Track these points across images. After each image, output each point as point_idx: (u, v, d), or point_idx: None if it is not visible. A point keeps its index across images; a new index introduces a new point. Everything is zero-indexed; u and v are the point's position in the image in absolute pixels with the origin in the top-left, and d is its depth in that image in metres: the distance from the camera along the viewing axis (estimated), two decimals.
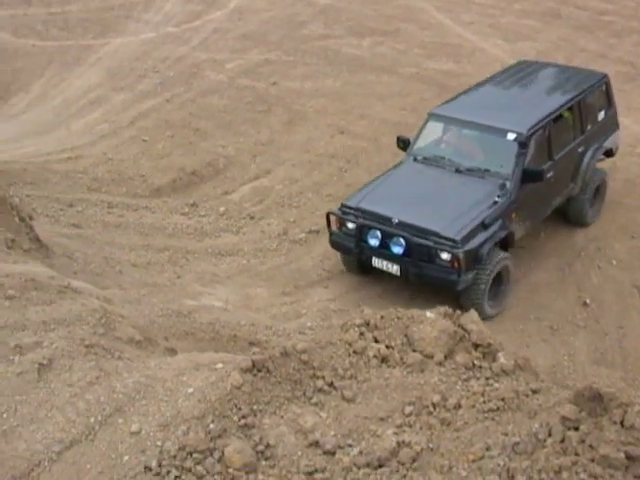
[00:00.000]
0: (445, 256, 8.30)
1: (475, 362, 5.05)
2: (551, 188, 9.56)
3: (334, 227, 9.06)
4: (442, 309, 5.32)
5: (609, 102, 10.77)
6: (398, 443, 4.15)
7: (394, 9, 17.70)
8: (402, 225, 8.51)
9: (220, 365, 4.65)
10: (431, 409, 4.61)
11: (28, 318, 5.23)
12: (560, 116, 9.86)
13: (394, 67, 15.05)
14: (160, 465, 3.82)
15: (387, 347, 5.07)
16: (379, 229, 8.64)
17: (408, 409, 4.58)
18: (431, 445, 4.23)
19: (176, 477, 3.78)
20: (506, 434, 4.23)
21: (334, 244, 9.19)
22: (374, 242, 8.68)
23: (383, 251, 8.67)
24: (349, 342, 5.02)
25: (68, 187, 10.68)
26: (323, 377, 4.71)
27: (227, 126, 12.99)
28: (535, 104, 9.86)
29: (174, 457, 3.87)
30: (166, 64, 15.42)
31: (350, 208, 8.93)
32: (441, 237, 8.33)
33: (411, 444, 4.16)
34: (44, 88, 14.93)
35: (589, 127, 10.25)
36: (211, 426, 4.10)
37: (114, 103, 13.95)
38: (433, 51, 15.76)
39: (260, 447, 4.12)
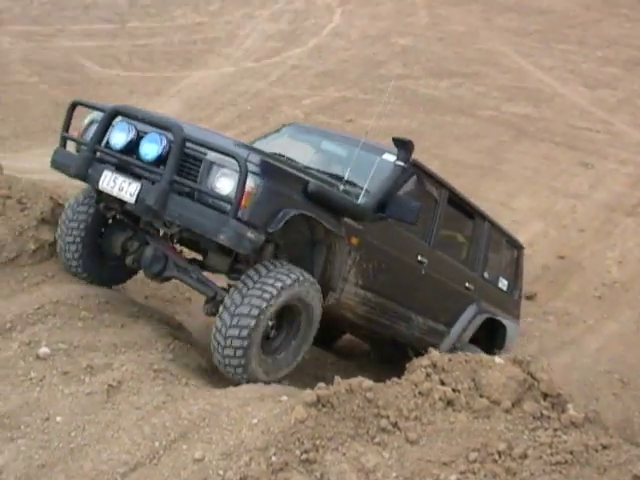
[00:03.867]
0: None
1: (543, 412, 4.92)
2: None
3: None
4: (512, 356, 5.22)
5: (515, 275, 8.71)
6: None
7: (475, 52, 17.73)
8: None
9: (285, 397, 4.65)
10: (496, 457, 4.50)
11: (100, 340, 5.35)
12: None
13: (472, 109, 15.05)
14: None
15: (453, 390, 4.99)
16: None
17: (472, 455, 4.48)
18: None
19: None
20: None
21: None
22: None
23: None
24: (415, 383, 4.96)
25: None
26: (387, 416, 4.66)
27: None
28: None
29: None
30: (244, 98, 15.75)
31: None
32: None
33: None
34: None
35: None
36: (273, 458, 4.09)
37: None
38: (512, 95, 15.70)
39: None
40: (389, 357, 8.04)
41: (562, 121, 11.46)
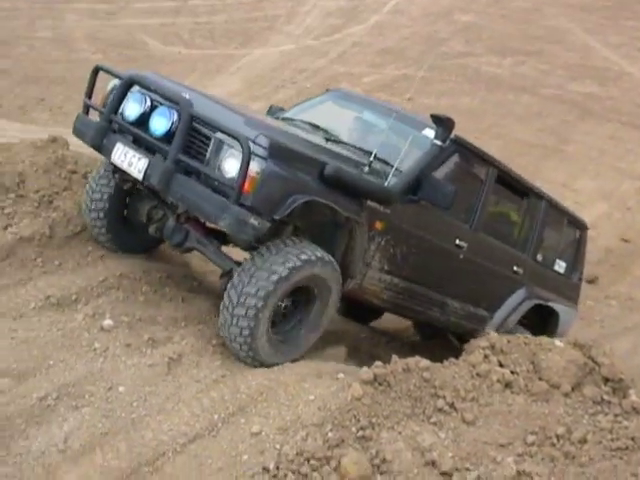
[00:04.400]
0: None
1: (604, 397, 4.85)
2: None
3: None
4: (572, 339, 5.15)
5: (576, 258, 8.18)
6: (518, 472, 4.04)
7: (539, 29, 17.37)
8: None
9: (342, 375, 4.68)
10: (554, 441, 4.46)
11: (161, 313, 5.46)
12: None
13: (535, 88, 14.77)
14: (277, 468, 3.87)
15: (512, 372, 4.94)
16: None
17: (530, 438, 4.45)
18: (553, 478, 4.09)
19: None
20: (635, 475, 4.04)
21: None
22: None
23: None
24: (473, 364, 4.94)
25: None
26: (444, 397, 4.65)
27: None
28: None
29: (291, 461, 3.92)
30: (303, 76, 15.74)
31: None
32: None
33: (532, 474, 4.03)
34: None
35: None
36: (329, 434, 4.13)
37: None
38: (577, 73, 15.35)
39: (376, 461, 4.10)
40: (431, 336, 7.97)
41: (629, 100, 11.15)
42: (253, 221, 4.60)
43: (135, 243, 6.23)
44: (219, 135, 4.77)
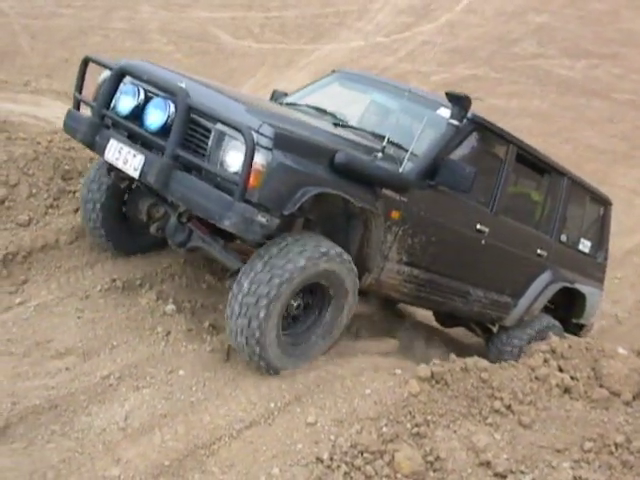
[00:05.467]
0: None
1: None
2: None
3: None
4: (636, 347, 5.05)
5: (601, 236, 7.68)
6: (574, 478, 3.98)
7: (615, 32, 16.98)
8: None
9: (399, 371, 4.69)
10: (613, 449, 4.39)
11: (222, 301, 5.53)
12: None
13: (608, 92, 14.45)
14: (331, 459, 3.90)
15: (572, 378, 4.89)
16: None
17: (588, 445, 4.38)
18: None
19: (345, 473, 3.84)
20: None
21: None
22: None
23: None
24: (532, 367, 4.89)
25: None
26: (501, 398, 4.62)
27: None
28: None
29: (345, 453, 3.94)
30: (372, 73, 15.71)
31: None
32: None
33: None
34: (254, 88, 15.70)
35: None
36: (384, 429, 4.14)
37: None
38: None
39: (430, 458, 4.10)
40: (452, 325, 7.70)
41: None
42: (261, 218, 4.25)
43: (137, 244, 5.89)
44: (220, 126, 4.40)
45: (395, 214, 5.06)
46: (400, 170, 4.96)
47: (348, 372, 4.71)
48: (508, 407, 4.61)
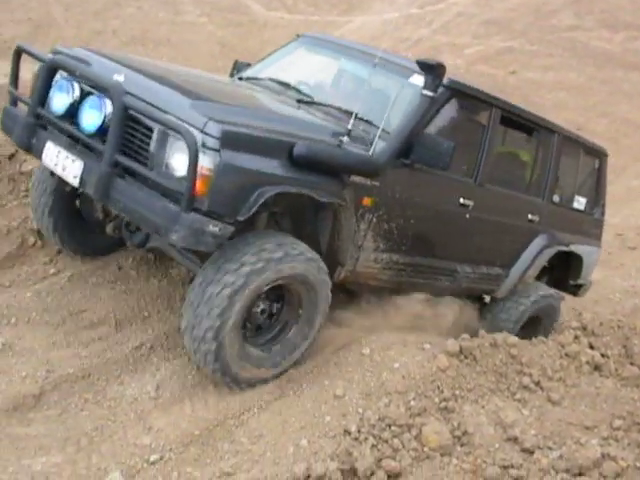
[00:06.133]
0: None
1: None
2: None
3: None
4: None
5: (597, 190, 7.16)
6: (602, 455, 3.97)
7: None
8: None
9: (428, 345, 4.69)
10: None
11: None
12: None
13: None
14: (359, 431, 3.92)
15: (602, 355, 4.87)
16: None
17: (617, 422, 4.36)
18: (638, 464, 4.00)
19: (373, 445, 3.87)
20: None
21: None
22: None
23: None
24: (562, 344, 4.87)
25: None
26: (530, 374, 4.61)
27: None
28: None
29: (373, 426, 3.97)
30: (405, 45, 15.55)
31: None
32: None
33: (616, 458, 3.95)
34: None
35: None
36: (412, 403, 4.16)
37: None
38: None
39: (457, 432, 4.11)
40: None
41: None
42: (212, 228, 3.84)
43: (97, 245, 5.47)
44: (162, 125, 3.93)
45: (367, 201, 4.68)
46: (370, 153, 4.55)
47: (377, 346, 4.72)
48: (537, 383, 4.60)
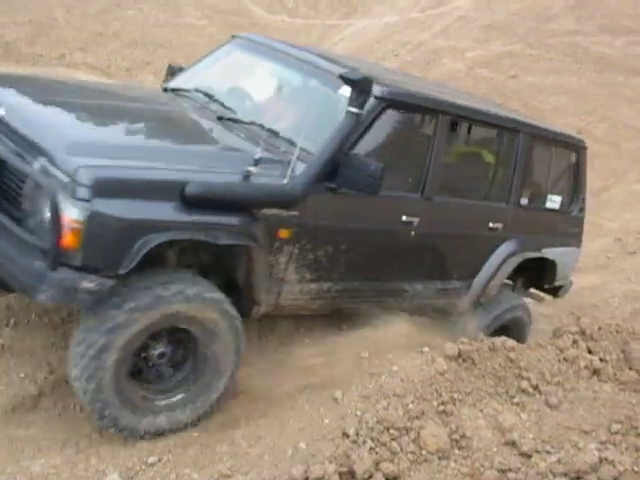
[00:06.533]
0: None
1: None
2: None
3: None
4: None
5: (575, 186, 6.57)
6: (600, 459, 3.98)
7: None
8: None
9: (426, 349, 4.69)
10: None
11: None
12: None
13: None
14: (357, 434, 3.93)
15: (601, 360, 4.87)
16: None
17: (615, 427, 4.37)
18: (636, 468, 4.01)
19: (371, 448, 3.87)
20: None
21: None
22: None
23: None
24: (560, 348, 4.88)
25: None
26: (528, 378, 4.62)
27: None
28: None
29: (371, 429, 3.97)
30: (406, 49, 15.56)
31: None
32: None
33: (614, 462, 3.96)
34: None
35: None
36: (410, 406, 4.16)
37: None
38: None
39: (455, 436, 4.11)
40: None
41: None
42: (87, 284, 3.44)
43: None
44: (34, 171, 3.53)
45: (284, 233, 4.24)
46: (286, 180, 4.09)
47: (375, 349, 4.73)
48: (535, 387, 4.61)
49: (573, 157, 6.46)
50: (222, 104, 4.86)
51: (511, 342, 4.75)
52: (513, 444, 4.12)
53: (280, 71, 5.12)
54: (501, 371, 4.62)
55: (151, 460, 3.78)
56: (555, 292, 6.59)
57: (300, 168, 4.16)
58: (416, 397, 4.23)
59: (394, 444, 3.93)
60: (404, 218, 4.89)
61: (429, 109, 4.95)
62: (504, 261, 5.76)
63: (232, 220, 3.91)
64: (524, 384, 4.61)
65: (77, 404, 4.13)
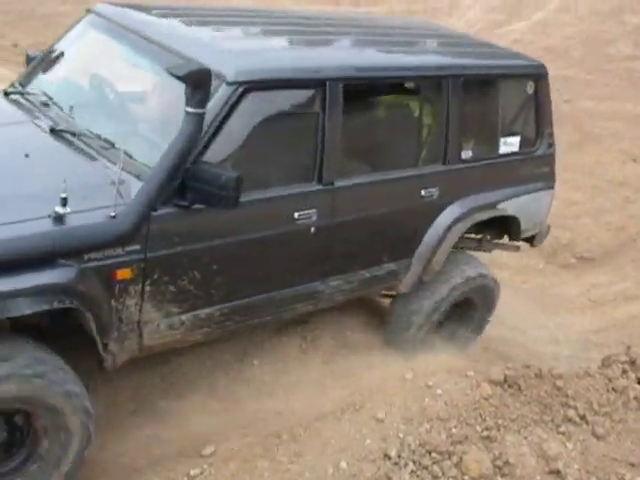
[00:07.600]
0: None
1: None
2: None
3: None
4: None
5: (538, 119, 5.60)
6: None
7: None
8: None
9: (471, 373, 4.65)
10: None
11: None
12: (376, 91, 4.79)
13: None
14: (399, 456, 3.91)
15: None
16: None
17: None
18: None
19: (412, 471, 3.85)
20: None
21: None
22: None
23: None
24: (609, 378, 4.78)
25: None
26: (575, 407, 4.53)
27: None
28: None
29: (413, 452, 3.95)
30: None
31: None
32: None
33: None
34: None
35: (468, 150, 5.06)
36: (453, 430, 4.12)
37: None
38: None
39: (499, 462, 4.06)
40: None
41: None
42: None
43: None
44: None
45: (124, 274, 3.49)
46: (112, 214, 3.31)
47: (420, 371, 4.71)
48: (582, 417, 4.52)
49: (530, 88, 5.49)
50: (60, 108, 4.09)
51: (559, 370, 4.67)
52: (557, 473, 4.05)
53: (130, 58, 4.20)
54: (547, 399, 4.55)
55: (193, 472, 3.81)
56: (531, 241, 5.93)
57: (133, 192, 3.42)
58: (459, 421, 4.19)
59: (436, 468, 3.90)
60: (297, 215, 4.12)
61: (308, 81, 4.10)
62: (446, 232, 5.00)
63: (34, 278, 3.10)
64: (571, 413, 4.52)
65: None
